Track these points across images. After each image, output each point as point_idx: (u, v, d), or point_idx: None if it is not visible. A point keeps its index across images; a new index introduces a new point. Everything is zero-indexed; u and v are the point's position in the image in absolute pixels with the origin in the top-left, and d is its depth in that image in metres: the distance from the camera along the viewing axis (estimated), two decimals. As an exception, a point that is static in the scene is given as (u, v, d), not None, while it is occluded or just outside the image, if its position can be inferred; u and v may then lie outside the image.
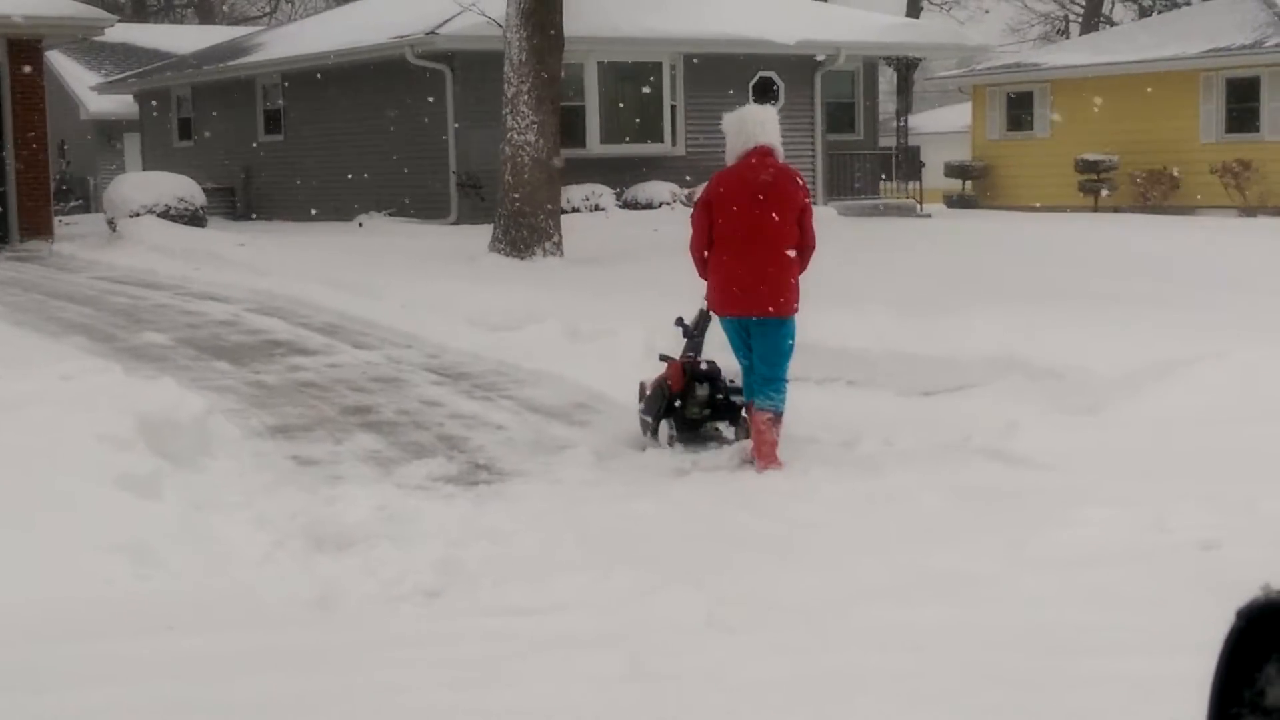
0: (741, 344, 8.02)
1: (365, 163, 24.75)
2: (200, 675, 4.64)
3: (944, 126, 41.13)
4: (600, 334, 11.15)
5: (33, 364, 9.26)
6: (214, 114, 29.33)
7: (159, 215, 21.16)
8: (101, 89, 34.04)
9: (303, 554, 6.20)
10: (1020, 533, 6.21)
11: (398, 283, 14.38)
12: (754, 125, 7.92)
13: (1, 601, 5.23)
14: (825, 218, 21.27)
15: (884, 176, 28.55)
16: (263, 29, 39.24)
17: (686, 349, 8.60)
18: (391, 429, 8.96)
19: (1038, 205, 27.85)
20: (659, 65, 24.10)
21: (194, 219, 21.58)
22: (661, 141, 24.26)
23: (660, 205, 24.30)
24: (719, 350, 8.48)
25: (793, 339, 7.97)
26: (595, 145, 23.30)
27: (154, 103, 31.64)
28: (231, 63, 28.47)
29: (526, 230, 16.76)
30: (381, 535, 6.40)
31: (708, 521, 6.77)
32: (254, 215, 27.35)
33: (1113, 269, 13.73)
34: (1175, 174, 28.02)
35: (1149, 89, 28.53)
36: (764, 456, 7.77)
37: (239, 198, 28.26)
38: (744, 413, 8.20)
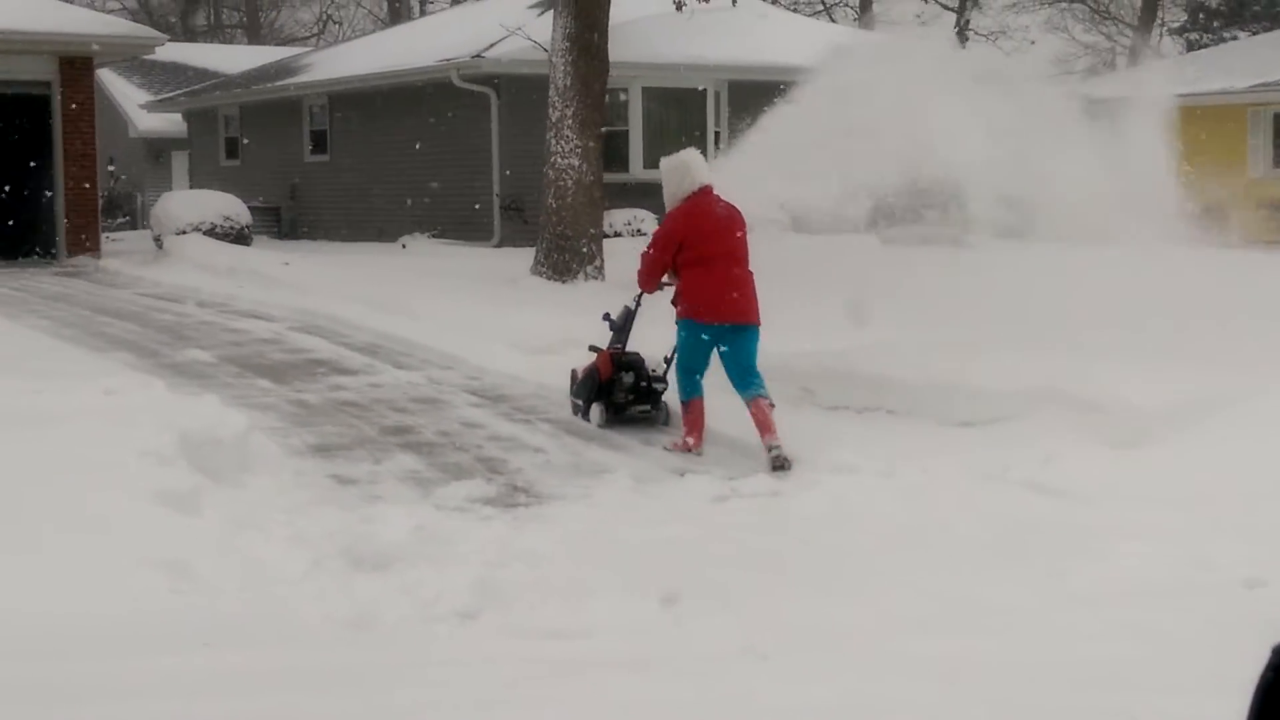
0: (709, 351, 9.08)
1: (409, 184, 24.89)
2: (236, 693, 4.66)
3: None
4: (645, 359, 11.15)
5: (78, 378, 9.35)
6: (260, 134, 29.56)
7: (205, 233, 21.34)
8: (151, 107, 34.37)
9: (341, 573, 6.22)
10: (1058, 565, 6.18)
11: (439, 304, 14.43)
12: (696, 169, 9.15)
13: (42, 615, 5.27)
14: (867, 246, 21.26)
15: (928, 205, 28.44)
16: (310, 50, 39.55)
17: (613, 341, 9.94)
18: (431, 450, 8.99)
19: (1086, 239, 27.66)
20: (703, 91, 24.16)
21: (239, 237, 21.73)
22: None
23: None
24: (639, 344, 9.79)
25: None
26: (639, 169, 23.35)
27: (202, 121, 31.94)
28: (279, 83, 28.70)
29: (569, 254, 16.80)
30: (419, 555, 6.42)
31: (745, 547, 6.76)
32: (299, 235, 27.53)
33: (1153, 303, 13.64)
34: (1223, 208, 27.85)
35: (1196, 122, 28.37)
36: (770, 431, 8.73)
37: (284, 217, 28.46)
38: (663, 399, 9.76)
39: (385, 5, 56.06)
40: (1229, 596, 5.70)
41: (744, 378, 9.01)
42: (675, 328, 9.27)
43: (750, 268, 9.14)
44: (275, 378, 11.44)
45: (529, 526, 7.13)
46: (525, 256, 17.75)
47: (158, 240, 21.81)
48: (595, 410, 9.85)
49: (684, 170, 9.16)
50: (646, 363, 9.89)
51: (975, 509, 7.33)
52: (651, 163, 23.61)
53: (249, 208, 23.15)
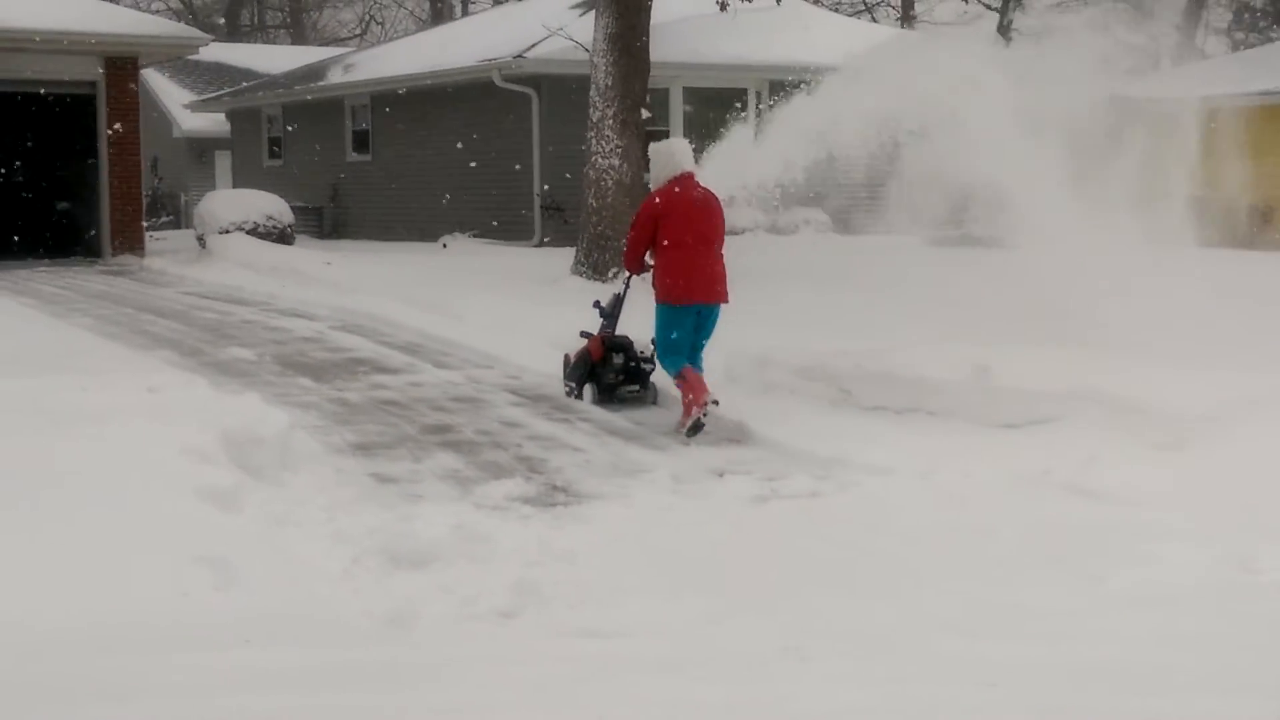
0: (689, 332, 9.68)
1: (451, 184, 24.97)
2: (277, 689, 4.69)
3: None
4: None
5: (121, 376, 9.43)
6: (303, 133, 29.72)
7: (247, 232, 21.46)
8: (194, 107, 34.60)
9: (380, 571, 6.25)
10: (1099, 568, 6.15)
11: (480, 303, 14.48)
12: (681, 156, 9.78)
13: (86, 611, 5.33)
14: (909, 247, 21.16)
15: (971, 205, 28.31)
16: (353, 50, 39.72)
17: (604, 326, 10.44)
18: (471, 449, 9.02)
19: (1132, 239, 27.42)
20: (744, 91, 24.14)
21: (282, 237, 21.85)
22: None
23: (744, 231, 24.31)
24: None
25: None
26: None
27: (245, 121, 32.13)
28: (321, 83, 28.85)
29: (609, 253, 16.80)
30: (458, 554, 6.44)
31: (783, 549, 6.76)
32: (341, 234, 27.66)
33: (1200, 305, 13.54)
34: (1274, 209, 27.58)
35: (1246, 122, 28.13)
36: (702, 398, 9.33)
37: (326, 216, 28.60)
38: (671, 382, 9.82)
39: (427, 5, 56.25)
40: (1271, 599, 5.66)
41: (694, 353, 9.78)
42: (655, 311, 9.81)
43: (723, 251, 9.80)
44: (316, 376, 11.51)
45: (568, 526, 7.14)
46: (566, 256, 17.78)
47: (201, 239, 21.96)
48: (588, 390, 10.45)
49: (669, 156, 9.81)
50: (635, 345, 10.45)
51: (1015, 511, 7.30)
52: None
53: (291, 207, 23.27)
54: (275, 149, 30.91)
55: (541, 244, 22.74)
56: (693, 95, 23.79)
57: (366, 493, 7.75)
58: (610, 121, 16.68)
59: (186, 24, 37.63)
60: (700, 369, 9.69)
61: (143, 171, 23.15)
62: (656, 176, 9.89)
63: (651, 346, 10.22)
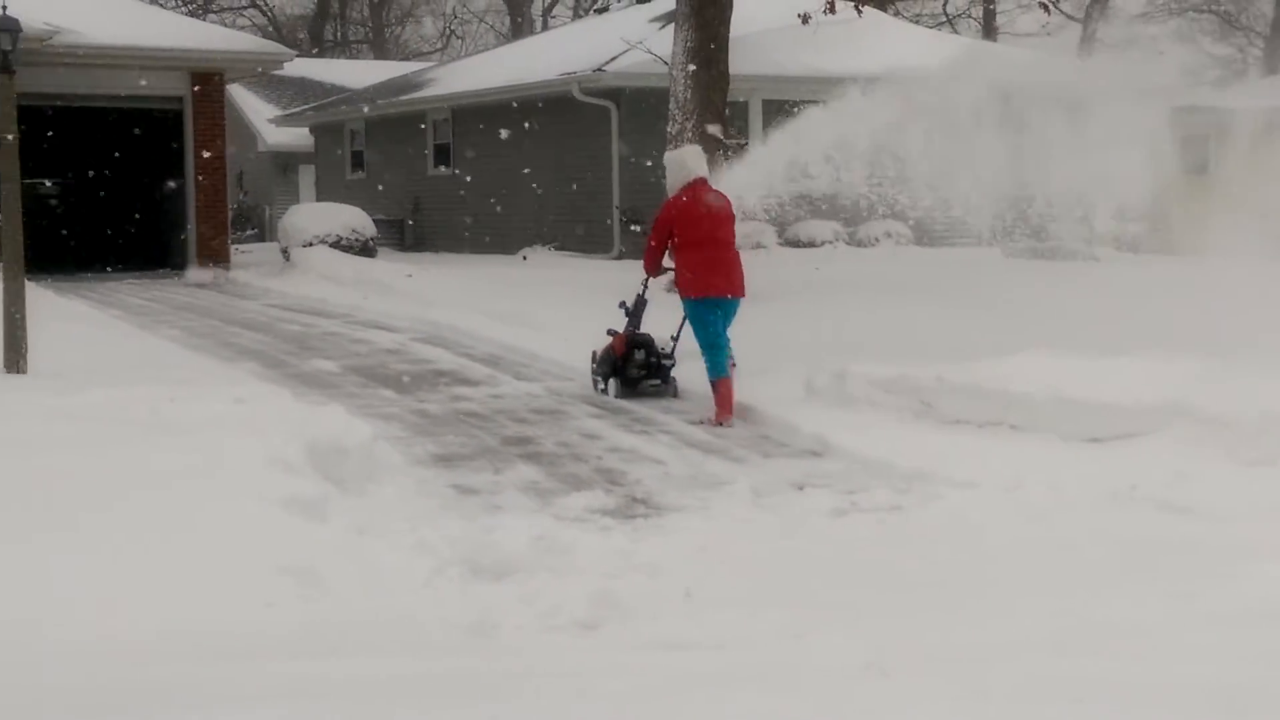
0: (718, 320, 10.36)
1: (531, 196, 25.09)
2: (361, 699, 4.72)
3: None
4: (758, 372, 11.13)
5: (208, 387, 9.55)
6: (385, 147, 30.00)
7: (330, 245, 21.70)
8: (279, 121, 35.03)
9: (461, 581, 6.28)
10: (1188, 585, 6.05)
11: (560, 316, 14.53)
12: (693, 163, 10.55)
13: (174, 619, 5.39)
14: (988, 260, 20.98)
15: (1050, 218, 28.01)
16: (434, 64, 40.05)
17: (628, 325, 11.29)
18: (551, 460, 9.05)
19: (1212, 251, 27.08)
20: (823, 104, 24.04)
21: (364, 249, 22.07)
22: (825, 178, 24.16)
23: (822, 244, 24.23)
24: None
25: None
26: (759, 181, 23.30)
27: (328, 135, 32.49)
28: (403, 97, 29.11)
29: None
30: (539, 565, 6.45)
31: (865, 562, 6.71)
32: (422, 247, 27.87)
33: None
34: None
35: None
36: (726, 419, 10.12)
37: (407, 229, 28.83)
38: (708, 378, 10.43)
39: (507, 20, 56.62)
40: (1367, 620, 5.54)
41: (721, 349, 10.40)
42: (680, 310, 10.67)
43: (736, 248, 10.56)
44: (398, 388, 11.59)
45: (648, 538, 7.13)
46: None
47: (285, 252, 22.22)
48: (612, 384, 11.27)
49: (682, 164, 10.56)
50: (656, 343, 11.30)
51: (1101, 527, 7.20)
52: (772, 175, 23.62)
53: (373, 220, 23.49)
54: (358, 162, 31.22)
55: (620, 256, 22.78)
56: (772, 108, 23.75)
57: (448, 504, 7.80)
58: (689, 134, 16.69)
59: (271, 40, 38.10)
60: (729, 355, 10.34)
61: (228, 186, 23.45)
62: (671, 184, 10.59)
63: (671, 344, 11.24)
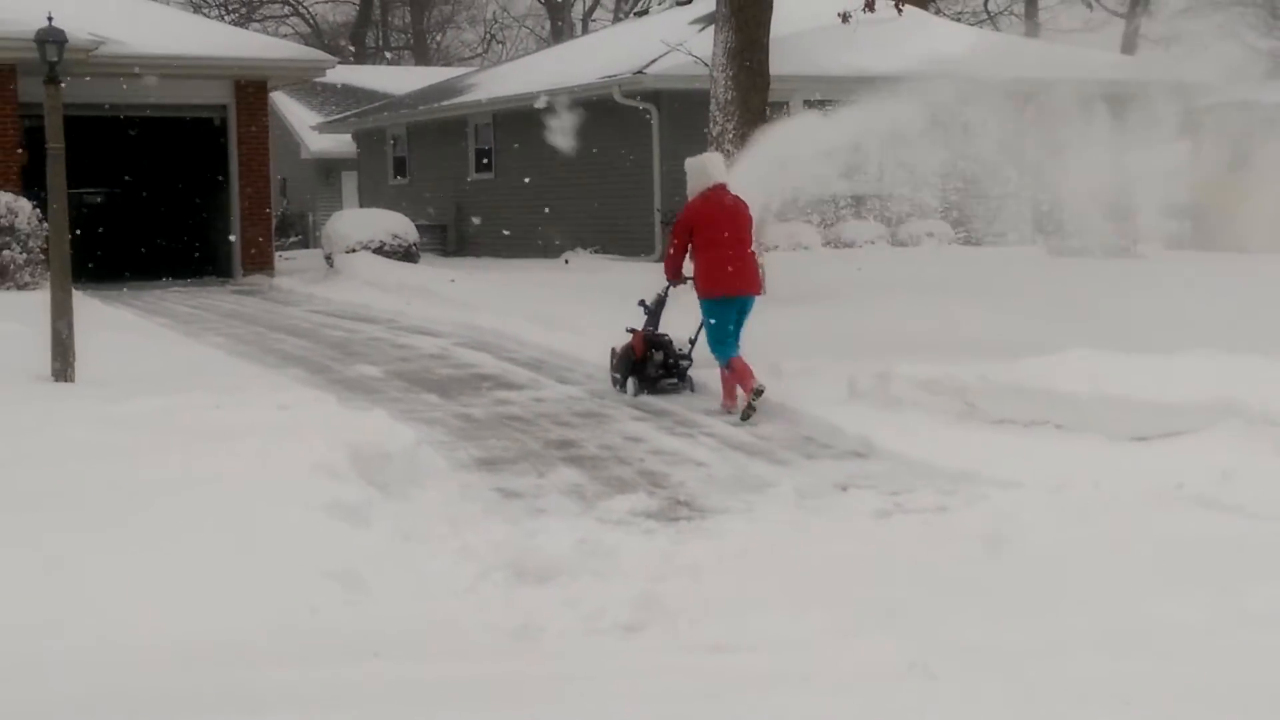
0: (732, 320, 10.71)
1: (572, 200, 25.13)
2: (405, 702, 4.74)
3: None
4: (801, 373, 11.11)
5: (252, 394, 9.61)
6: (427, 153, 30.12)
7: (373, 251, 21.80)
8: (321, 128, 35.22)
9: (505, 585, 6.29)
10: (1235, 585, 5.99)
11: (601, 319, 14.53)
12: (713, 169, 11.00)
13: (219, 623, 5.43)
14: (1032, 258, 20.87)
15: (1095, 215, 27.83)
16: (475, 70, 40.18)
17: (647, 324, 11.59)
18: (594, 463, 9.06)
19: (1258, 247, 26.81)
20: (861, 103, 23.96)
21: (407, 255, 22.16)
22: (867, 180, 24.13)
23: (864, 244, 24.16)
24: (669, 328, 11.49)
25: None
26: (801, 183, 23.26)
27: (370, 142, 32.64)
28: (444, 103, 29.21)
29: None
30: (583, 569, 6.46)
31: (909, 564, 6.68)
32: (465, 251, 27.96)
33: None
34: None
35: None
36: (750, 384, 10.39)
37: (450, 234, 28.94)
38: (721, 371, 10.83)
39: (548, 24, 56.74)
40: None
41: (734, 339, 10.74)
42: (698, 314, 10.93)
43: (752, 249, 10.93)
44: (442, 392, 11.64)
45: (692, 540, 7.13)
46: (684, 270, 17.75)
47: (328, 258, 22.34)
48: (631, 383, 11.50)
49: (703, 169, 10.98)
50: (674, 344, 11.58)
51: (1148, 526, 7.15)
52: (814, 176, 23.59)
53: (416, 225, 23.58)
54: (400, 168, 31.36)
55: (662, 259, 22.77)
56: (813, 108, 23.69)
57: (491, 508, 7.82)
58: (730, 136, 16.66)
59: (314, 48, 38.36)
60: (739, 354, 10.65)
61: (272, 193, 23.61)
62: (692, 188, 10.98)
63: (689, 345, 11.48)
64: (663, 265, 11.29)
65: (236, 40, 23.70)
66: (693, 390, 11.49)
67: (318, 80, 28.80)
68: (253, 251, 22.40)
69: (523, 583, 6.33)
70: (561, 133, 25.23)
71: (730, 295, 10.70)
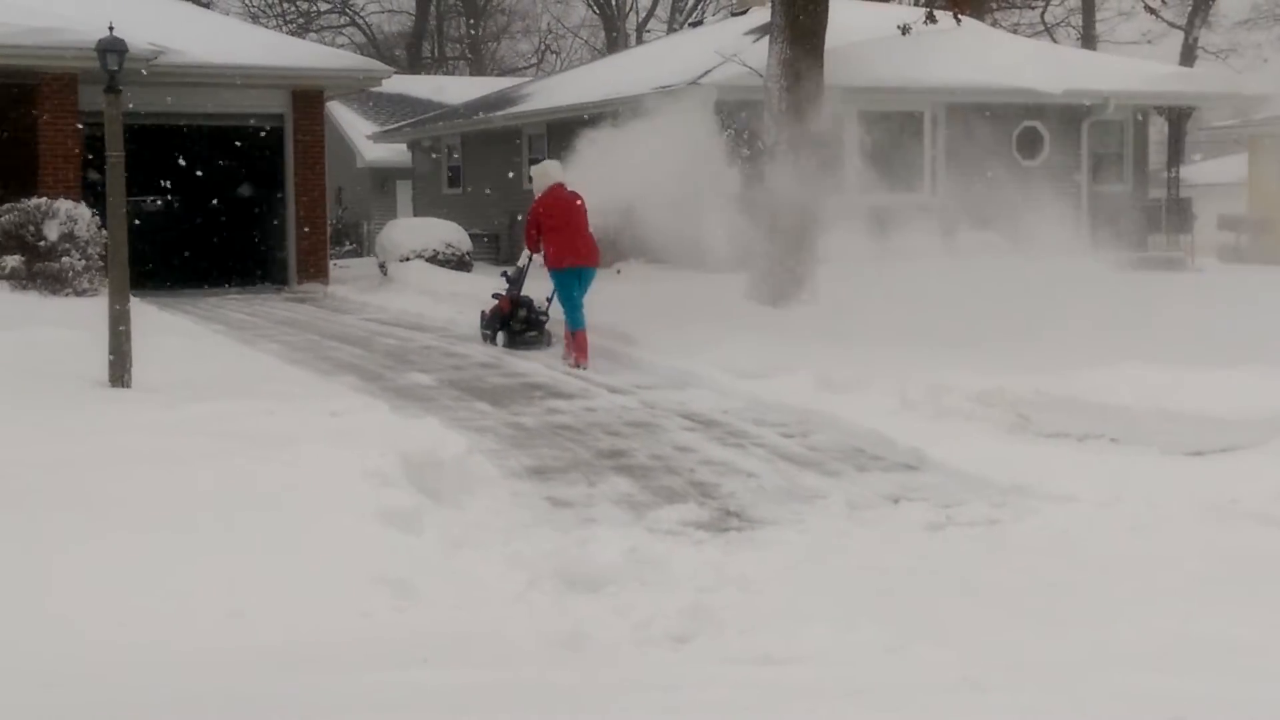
0: (575, 285, 13.71)
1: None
2: (453, 710, 4.75)
3: (1218, 178, 39.64)
4: (852, 385, 11.07)
5: (306, 401, 9.69)
6: (481, 162, 30.22)
7: (427, 260, 21.90)
8: (377, 138, 35.42)
9: (555, 594, 6.31)
10: (1292, 602, 5.93)
11: (651, 327, 14.55)
12: (553, 171, 14.26)
13: (272, 629, 5.47)
14: (1087, 269, 20.69)
15: (1153, 229, 27.64)
16: (530, 80, 40.30)
17: (511, 289, 14.71)
18: (644, 473, 9.07)
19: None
20: (920, 115, 23.89)
21: (460, 264, 22.25)
22: (920, 191, 24.04)
23: (917, 255, 24.01)
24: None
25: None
26: (853, 194, 23.22)
27: (425, 151, 32.79)
28: (498, 113, 29.31)
29: (782, 279, 16.75)
30: (632, 578, 6.47)
31: (961, 577, 6.65)
32: (517, 261, 28.00)
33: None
34: None
35: None
36: (582, 360, 13.50)
37: (503, 243, 29.04)
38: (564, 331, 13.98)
39: (602, 35, 56.87)
40: None
41: (579, 307, 13.65)
42: (549, 281, 13.89)
43: (590, 231, 13.90)
44: (493, 401, 11.68)
45: (741, 551, 7.13)
46: (739, 281, 17.76)
47: (382, 267, 22.46)
48: (500, 336, 14.67)
49: (545, 173, 14.16)
50: (534, 303, 14.63)
51: (1202, 541, 7.09)
52: (867, 187, 23.55)
53: (470, 234, 23.66)
54: (454, 178, 31.48)
55: (715, 270, 22.73)
56: (868, 118, 23.64)
57: (541, 516, 7.84)
58: (784, 146, 16.65)
59: (370, 58, 38.62)
60: (581, 326, 13.61)
61: (327, 201, 23.77)
62: (537, 187, 14.02)
63: (546, 303, 14.50)
64: (524, 244, 14.35)
65: (293, 50, 23.86)
66: (549, 345, 14.38)
67: (373, 90, 28.95)
68: (308, 260, 22.55)
69: (572, 591, 6.35)
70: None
71: (575, 266, 13.65)
